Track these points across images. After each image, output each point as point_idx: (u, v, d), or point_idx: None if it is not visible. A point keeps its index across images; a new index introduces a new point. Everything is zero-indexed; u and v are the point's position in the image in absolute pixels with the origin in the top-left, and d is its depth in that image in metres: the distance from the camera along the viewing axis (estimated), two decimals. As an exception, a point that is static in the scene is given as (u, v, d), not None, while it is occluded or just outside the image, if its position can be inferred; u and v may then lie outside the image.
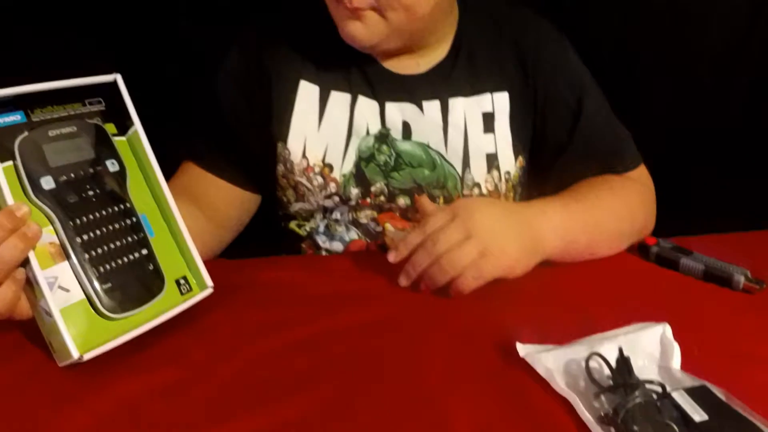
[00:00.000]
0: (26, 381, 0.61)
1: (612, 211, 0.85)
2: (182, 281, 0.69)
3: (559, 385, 0.55)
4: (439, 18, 0.90)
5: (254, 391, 0.59)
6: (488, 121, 0.94)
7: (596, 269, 0.82)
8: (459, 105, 0.93)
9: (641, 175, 0.96)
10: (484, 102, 0.94)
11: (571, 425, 0.53)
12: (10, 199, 0.58)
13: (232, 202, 0.97)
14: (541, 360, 0.58)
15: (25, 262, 0.59)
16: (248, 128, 0.95)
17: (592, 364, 0.55)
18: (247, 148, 0.95)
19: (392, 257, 0.75)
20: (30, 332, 0.64)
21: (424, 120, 0.93)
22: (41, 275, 0.58)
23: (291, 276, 0.81)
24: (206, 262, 0.70)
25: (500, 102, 0.94)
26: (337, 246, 0.98)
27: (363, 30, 0.84)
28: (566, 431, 0.53)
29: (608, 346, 0.57)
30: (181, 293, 0.68)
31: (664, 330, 0.59)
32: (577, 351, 0.58)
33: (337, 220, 0.97)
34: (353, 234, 0.97)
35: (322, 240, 0.98)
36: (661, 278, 0.80)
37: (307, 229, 0.99)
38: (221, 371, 0.62)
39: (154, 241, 0.67)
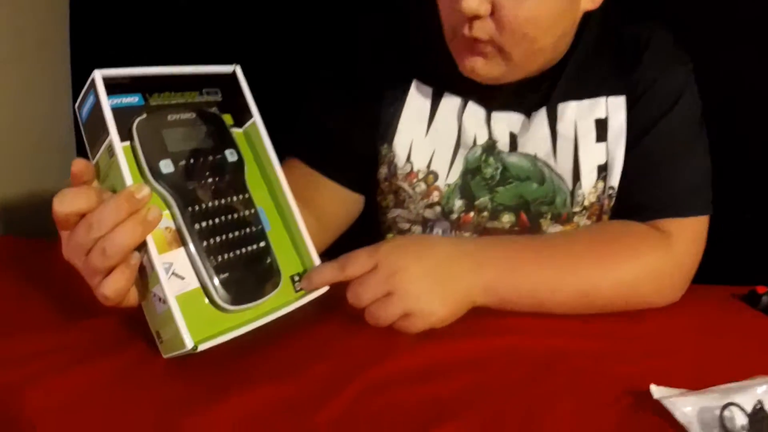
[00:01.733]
0: (128, 377, 0.59)
1: (588, 280, 0.73)
2: (297, 278, 0.65)
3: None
4: (561, 46, 0.83)
5: (381, 416, 0.54)
6: (601, 128, 0.85)
7: (705, 318, 0.76)
8: (570, 111, 0.85)
9: (688, 232, 0.80)
10: (597, 107, 0.85)
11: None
12: (129, 180, 0.55)
13: (339, 203, 0.92)
14: (677, 405, 0.54)
15: (140, 247, 0.56)
16: (356, 128, 0.90)
17: (726, 414, 0.53)
18: (355, 149, 0.91)
19: (303, 285, 0.67)
20: (132, 327, 0.62)
21: (531, 130, 0.86)
22: (158, 260, 0.55)
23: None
24: None
25: (615, 107, 0.84)
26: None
27: (483, 64, 0.78)
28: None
29: (743, 397, 0.54)
30: (296, 291, 0.65)
31: None
32: (710, 399, 0.54)
33: None
34: None
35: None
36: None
37: None
38: (343, 393, 0.56)
39: (270, 235, 0.64)
